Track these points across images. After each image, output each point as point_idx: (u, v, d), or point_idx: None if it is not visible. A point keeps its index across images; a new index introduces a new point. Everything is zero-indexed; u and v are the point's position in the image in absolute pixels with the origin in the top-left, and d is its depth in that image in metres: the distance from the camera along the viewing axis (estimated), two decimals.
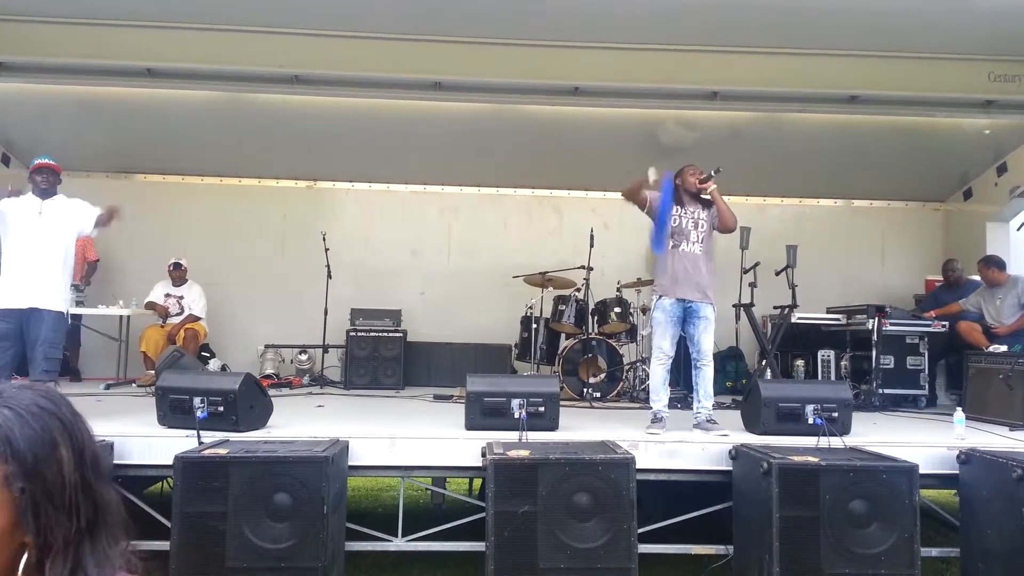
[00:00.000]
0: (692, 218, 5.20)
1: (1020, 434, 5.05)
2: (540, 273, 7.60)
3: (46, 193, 5.00)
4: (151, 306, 7.80)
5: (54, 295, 4.93)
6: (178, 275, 7.94)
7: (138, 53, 7.15)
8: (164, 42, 7.10)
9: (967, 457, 4.25)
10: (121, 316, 7.54)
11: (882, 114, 8.00)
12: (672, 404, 6.72)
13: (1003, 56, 7.33)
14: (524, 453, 3.96)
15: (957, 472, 4.29)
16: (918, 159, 8.67)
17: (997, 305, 6.86)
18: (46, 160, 5.07)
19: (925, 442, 4.68)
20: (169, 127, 8.28)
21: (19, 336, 4.87)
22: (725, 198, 9.53)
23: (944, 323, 7.09)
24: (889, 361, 7.03)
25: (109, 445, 4.11)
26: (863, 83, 7.51)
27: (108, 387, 7.13)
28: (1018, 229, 8.50)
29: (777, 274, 7.30)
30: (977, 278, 7.31)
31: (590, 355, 7.08)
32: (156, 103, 7.90)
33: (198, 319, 7.83)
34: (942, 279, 7.99)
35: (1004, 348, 6.25)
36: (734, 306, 7.59)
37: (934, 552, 4.38)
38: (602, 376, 7.05)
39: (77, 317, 7.71)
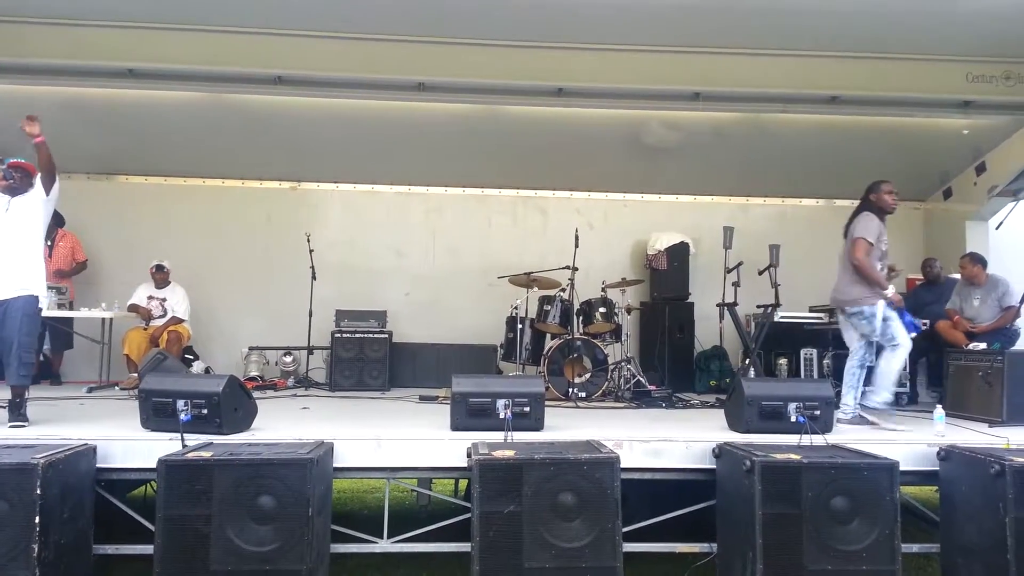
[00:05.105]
0: None
1: (999, 430, 5.12)
2: (525, 273, 7.61)
3: (16, 191, 4.95)
4: (134, 308, 7.75)
5: (25, 282, 4.83)
6: (160, 277, 7.89)
7: (120, 54, 7.12)
8: (146, 42, 7.07)
9: (947, 454, 4.31)
10: (104, 319, 7.48)
11: (863, 114, 8.09)
12: (656, 403, 6.79)
13: (981, 57, 7.43)
14: (509, 453, 3.97)
15: (937, 468, 4.35)
16: (898, 159, 8.75)
17: (975, 305, 6.93)
18: (19, 160, 5.02)
19: (906, 439, 4.73)
20: (152, 128, 8.23)
21: None
22: (708, 197, 9.74)
23: (925, 321, 7.16)
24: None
25: (92, 449, 4.10)
26: (844, 84, 7.59)
27: (91, 390, 7.08)
28: (997, 228, 8.63)
29: (760, 273, 7.35)
30: (956, 276, 7.38)
31: (575, 355, 7.10)
32: (139, 104, 7.85)
33: (181, 321, 7.79)
34: (921, 277, 8.07)
35: (983, 346, 6.32)
36: (718, 305, 7.64)
37: (915, 548, 4.43)
38: (587, 376, 7.07)
39: (69, 322, 7.66)
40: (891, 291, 5.30)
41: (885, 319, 5.34)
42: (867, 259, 5.36)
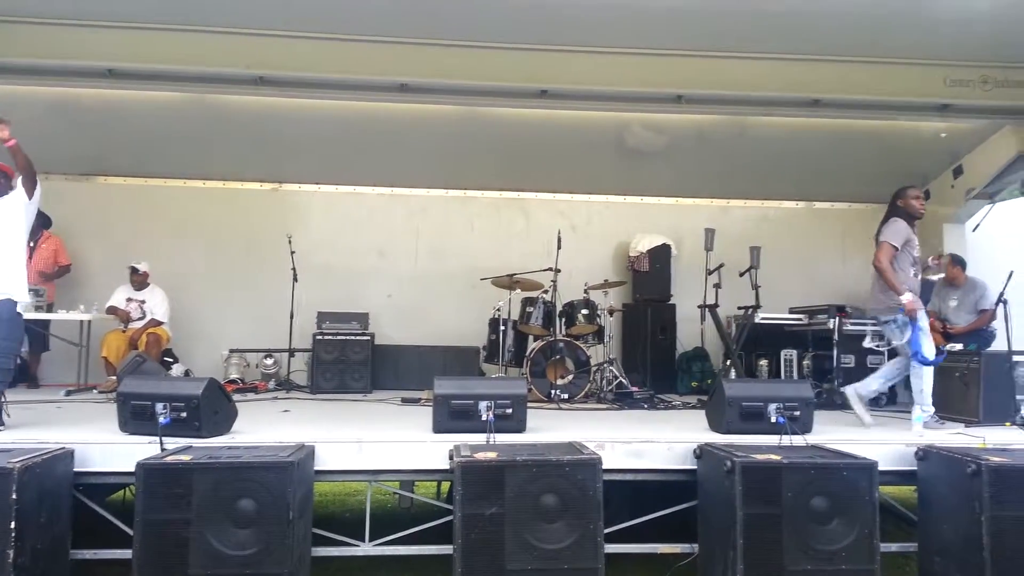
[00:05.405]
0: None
1: (976, 430, 5.18)
2: (508, 275, 7.61)
3: None
4: (112, 311, 7.67)
5: (6, 286, 4.78)
6: (137, 279, 7.82)
7: (99, 53, 7.04)
8: (125, 42, 6.99)
9: (925, 453, 4.36)
10: (82, 321, 7.40)
11: (843, 117, 8.15)
12: (638, 405, 6.82)
13: (959, 62, 7.52)
14: (492, 455, 3.97)
15: (915, 468, 4.39)
16: (878, 162, 8.84)
17: (952, 306, 7.02)
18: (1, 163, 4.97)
19: (884, 440, 4.78)
20: (132, 129, 8.15)
21: None
22: (690, 200, 9.73)
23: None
24: (850, 360, 7.17)
25: (70, 452, 4.05)
26: (825, 87, 7.65)
27: (69, 393, 6.99)
28: (973, 230, 8.74)
29: (741, 275, 7.41)
30: (934, 278, 7.47)
31: (558, 357, 7.11)
32: (119, 104, 7.77)
33: (160, 324, 7.72)
34: None
35: (960, 347, 6.40)
36: (699, 307, 7.70)
37: (893, 547, 4.47)
38: (570, 377, 7.08)
39: (45, 324, 7.56)
40: (907, 297, 5.27)
41: (918, 331, 5.30)
42: (888, 263, 5.37)
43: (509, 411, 4.74)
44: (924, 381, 5.31)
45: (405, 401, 6.83)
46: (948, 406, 5.73)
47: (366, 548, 4.31)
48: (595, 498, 3.83)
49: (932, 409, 5.29)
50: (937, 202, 9.11)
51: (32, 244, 7.75)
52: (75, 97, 7.68)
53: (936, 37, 6.97)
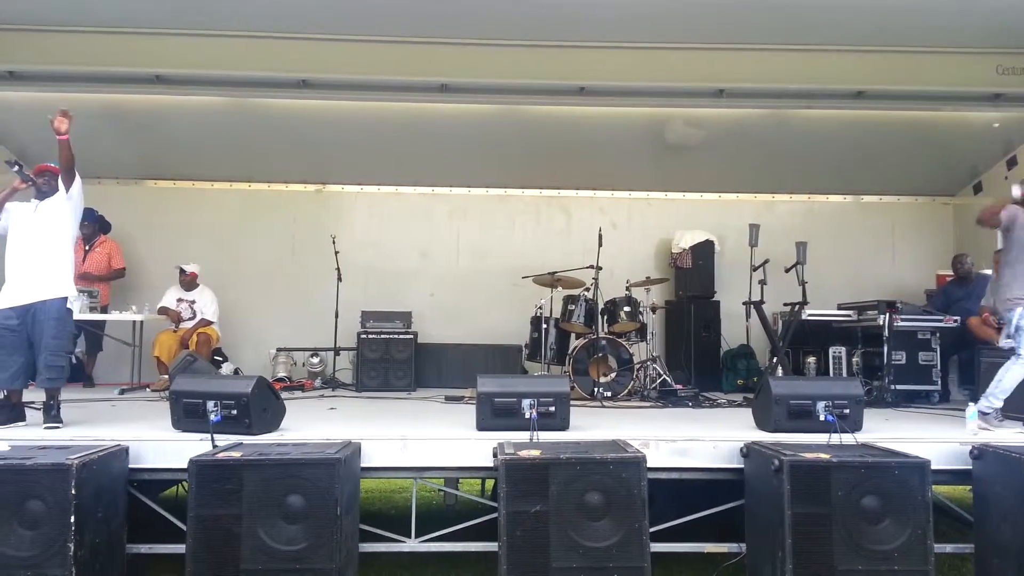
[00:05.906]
0: None
1: None
2: (549, 273, 7.60)
3: (44, 195, 5.03)
4: (163, 311, 7.85)
5: (54, 284, 4.88)
6: (186, 280, 7.99)
7: (147, 60, 7.24)
8: (172, 48, 7.18)
9: (980, 452, 4.23)
10: (134, 321, 7.59)
11: (889, 109, 7.98)
12: (683, 403, 6.76)
13: (1011, 49, 7.30)
14: (535, 453, 3.97)
15: (970, 467, 4.27)
16: (927, 153, 8.64)
17: None
18: (48, 164, 5.11)
19: (938, 438, 4.65)
20: (179, 133, 8.35)
21: (26, 340, 4.86)
22: (733, 195, 9.58)
23: (956, 318, 7.06)
24: (901, 357, 7.00)
25: (124, 449, 4.16)
26: (870, 78, 7.50)
27: (123, 392, 7.19)
28: None
29: (787, 271, 7.29)
30: (988, 272, 7.27)
31: (600, 354, 7.08)
32: (166, 109, 7.97)
33: (210, 323, 7.88)
34: (952, 274, 7.95)
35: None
36: (744, 303, 7.59)
37: (948, 548, 4.36)
38: (612, 375, 7.05)
39: (99, 325, 7.76)
40: None
41: (1019, 328, 5.13)
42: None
43: (552, 409, 4.74)
44: (1008, 375, 5.12)
45: (448, 399, 6.88)
46: (1007, 405, 5.55)
47: (412, 544, 4.34)
48: (640, 496, 3.80)
49: (1000, 403, 5.13)
50: (990, 194, 8.86)
51: (87, 248, 7.99)
52: (125, 103, 7.89)
53: (986, 24, 6.77)
